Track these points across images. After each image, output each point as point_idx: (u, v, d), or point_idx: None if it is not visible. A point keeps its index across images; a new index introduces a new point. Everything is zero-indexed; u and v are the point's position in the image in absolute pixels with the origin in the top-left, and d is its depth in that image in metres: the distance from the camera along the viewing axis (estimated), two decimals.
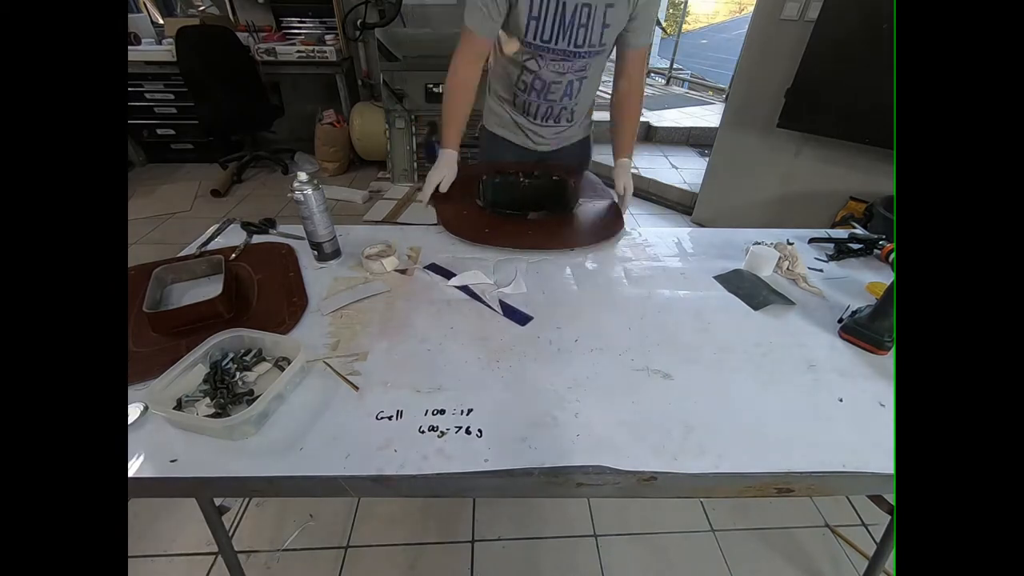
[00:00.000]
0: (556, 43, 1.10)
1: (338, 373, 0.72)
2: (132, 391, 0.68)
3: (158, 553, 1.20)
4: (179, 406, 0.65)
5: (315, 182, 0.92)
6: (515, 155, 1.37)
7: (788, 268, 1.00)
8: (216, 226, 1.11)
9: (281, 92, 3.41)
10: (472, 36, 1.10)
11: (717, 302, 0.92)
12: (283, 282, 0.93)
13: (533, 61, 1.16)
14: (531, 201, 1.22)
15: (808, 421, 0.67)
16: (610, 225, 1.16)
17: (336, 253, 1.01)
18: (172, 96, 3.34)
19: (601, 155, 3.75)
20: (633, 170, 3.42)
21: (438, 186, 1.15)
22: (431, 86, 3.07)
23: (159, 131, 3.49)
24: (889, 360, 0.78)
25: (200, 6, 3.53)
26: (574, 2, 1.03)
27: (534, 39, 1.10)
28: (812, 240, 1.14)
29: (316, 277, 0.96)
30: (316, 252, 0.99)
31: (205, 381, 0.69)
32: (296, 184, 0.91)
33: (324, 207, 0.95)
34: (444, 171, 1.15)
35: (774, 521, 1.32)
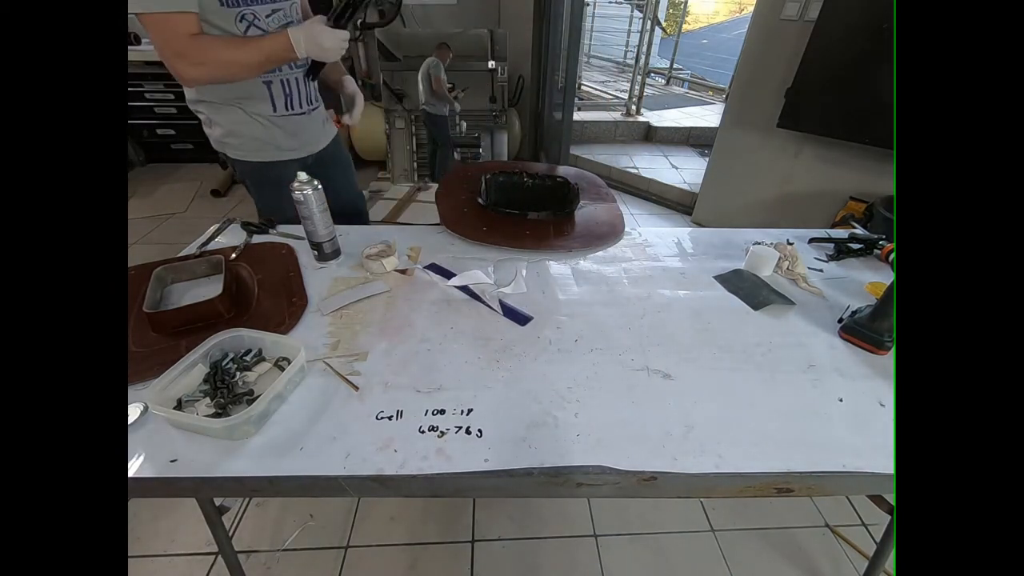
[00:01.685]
0: None
1: (338, 373, 0.72)
2: (132, 391, 0.68)
3: (158, 553, 1.20)
4: (179, 406, 0.65)
5: (315, 182, 0.93)
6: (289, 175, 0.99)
7: (788, 268, 1.00)
8: (216, 226, 1.11)
9: None
10: (177, 18, 0.88)
11: (717, 302, 0.92)
12: (283, 282, 0.93)
13: (253, 28, 0.98)
14: (533, 201, 1.22)
15: (808, 421, 0.67)
16: (611, 227, 1.16)
17: (336, 253, 1.01)
18: (172, 96, 3.34)
19: (600, 155, 3.76)
20: (632, 170, 3.46)
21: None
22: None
23: (159, 131, 3.49)
24: (889, 360, 0.78)
25: None
26: None
27: None
28: (812, 240, 1.14)
29: (316, 277, 0.96)
30: (316, 252, 0.99)
31: (205, 381, 0.69)
32: (296, 184, 0.91)
33: (324, 207, 0.95)
34: (313, 27, 0.95)
35: (774, 521, 1.32)
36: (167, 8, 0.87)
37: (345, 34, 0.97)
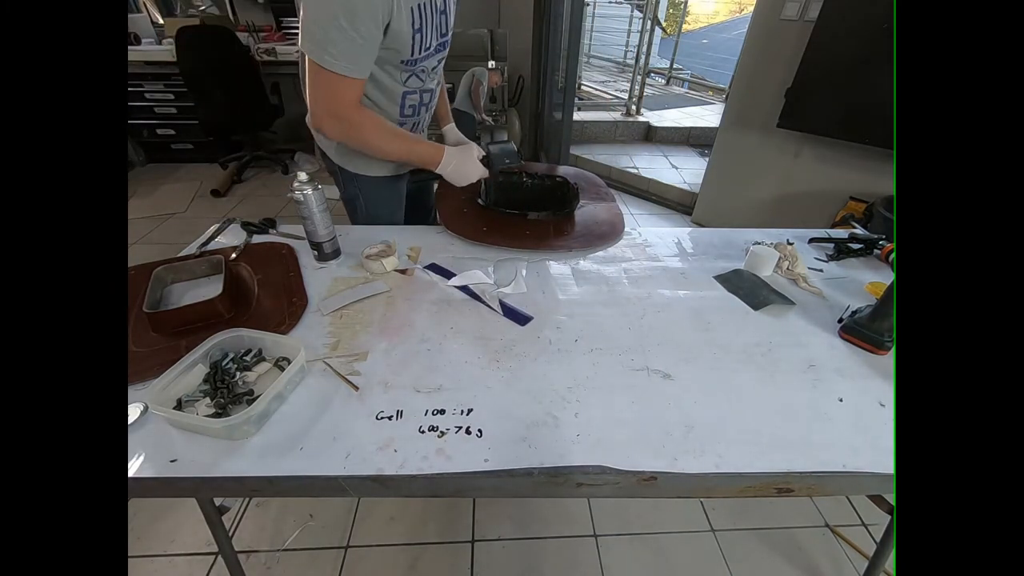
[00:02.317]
0: (431, 44, 0.97)
1: (338, 373, 0.72)
2: (132, 391, 0.68)
3: (158, 553, 1.20)
4: (179, 406, 0.65)
5: (315, 182, 0.93)
6: (392, 192, 1.20)
7: (788, 268, 1.00)
8: (216, 226, 1.11)
9: (281, 92, 3.41)
10: (347, 82, 0.87)
11: (717, 302, 0.92)
12: (283, 282, 0.93)
13: (415, 78, 1.00)
14: (533, 201, 1.22)
15: (808, 421, 0.67)
16: (611, 227, 1.15)
17: (336, 253, 1.01)
18: (172, 96, 3.34)
19: (600, 155, 3.75)
20: (632, 170, 3.46)
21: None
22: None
23: (159, 131, 3.49)
24: (889, 360, 0.78)
25: (200, 6, 3.53)
26: None
27: (420, 53, 0.93)
28: (812, 240, 1.14)
29: (316, 277, 0.96)
30: (316, 252, 0.99)
31: (205, 381, 0.69)
32: (296, 184, 0.91)
33: (324, 207, 0.95)
34: (470, 148, 1.07)
35: (774, 521, 1.32)
36: (345, 72, 0.85)
37: (486, 174, 1.05)
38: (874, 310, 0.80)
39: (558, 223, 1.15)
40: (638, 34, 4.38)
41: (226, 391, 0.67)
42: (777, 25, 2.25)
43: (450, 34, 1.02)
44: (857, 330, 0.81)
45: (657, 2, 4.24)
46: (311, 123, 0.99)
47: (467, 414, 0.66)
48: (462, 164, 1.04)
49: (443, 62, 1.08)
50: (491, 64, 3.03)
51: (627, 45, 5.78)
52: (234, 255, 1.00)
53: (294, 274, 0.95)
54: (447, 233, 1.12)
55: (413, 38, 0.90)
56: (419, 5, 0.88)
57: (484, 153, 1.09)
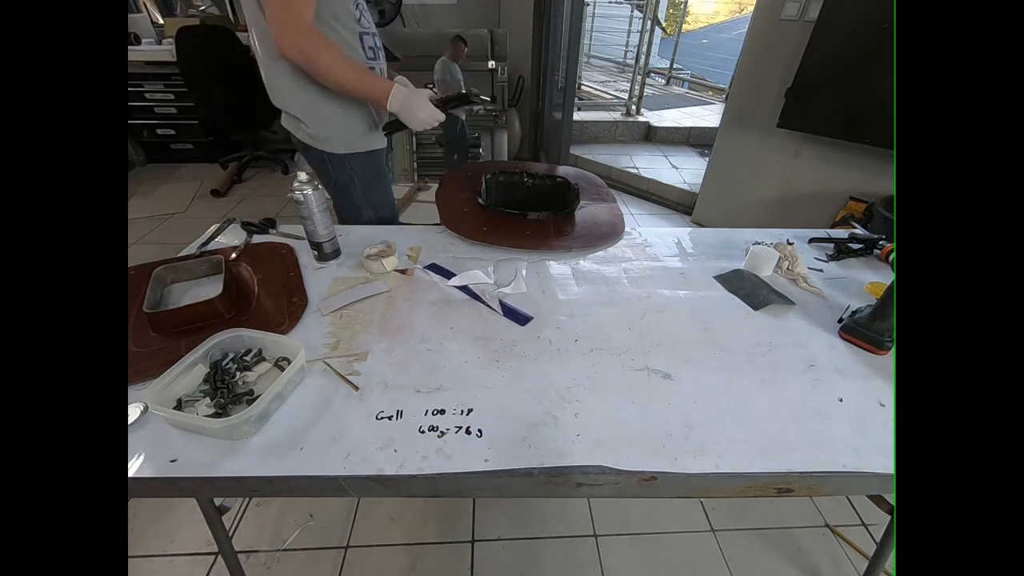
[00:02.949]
0: None
1: (338, 373, 0.72)
2: (132, 391, 0.68)
3: (158, 553, 1.20)
4: (179, 406, 0.65)
5: (315, 182, 0.93)
6: (379, 162, 1.23)
7: (788, 268, 1.00)
8: (216, 226, 1.11)
9: None
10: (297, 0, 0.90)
11: (717, 302, 0.92)
12: (283, 282, 0.93)
13: (365, 19, 1.05)
14: (533, 201, 1.22)
15: (808, 421, 0.67)
16: (611, 228, 1.15)
17: (336, 253, 1.01)
18: (172, 96, 3.34)
19: (600, 155, 3.75)
20: (632, 170, 3.45)
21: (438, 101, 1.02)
22: (431, 86, 3.08)
23: (159, 131, 3.49)
24: (889, 360, 0.78)
25: (200, 6, 3.53)
26: None
27: None
28: (812, 240, 1.14)
29: (316, 277, 0.96)
30: (316, 252, 0.99)
31: (205, 381, 0.69)
32: (296, 184, 0.91)
33: (324, 207, 0.95)
34: (420, 93, 1.03)
35: (774, 521, 1.32)
36: None
37: (441, 116, 1.02)
38: (874, 310, 0.80)
39: (558, 223, 1.15)
40: (638, 34, 4.38)
41: (226, 391, 0.67)
42: (777, 25, 2.25)
43: None
44: (857, 330, 0.81)
45: (657, 2, 4.24)
46: (277, 43, 0.94)
47: (467, 414, 0.66)
48: (410, 102, 1.00)
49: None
50: (452, 40, 2.94)
51: (627, 45, 5.78)
52: (234, 255, 1.00)
53: (294, 274, 0.95)
54: (447, 233, 1.12)
55: None
56: None
57: (444, 97, 1.05)
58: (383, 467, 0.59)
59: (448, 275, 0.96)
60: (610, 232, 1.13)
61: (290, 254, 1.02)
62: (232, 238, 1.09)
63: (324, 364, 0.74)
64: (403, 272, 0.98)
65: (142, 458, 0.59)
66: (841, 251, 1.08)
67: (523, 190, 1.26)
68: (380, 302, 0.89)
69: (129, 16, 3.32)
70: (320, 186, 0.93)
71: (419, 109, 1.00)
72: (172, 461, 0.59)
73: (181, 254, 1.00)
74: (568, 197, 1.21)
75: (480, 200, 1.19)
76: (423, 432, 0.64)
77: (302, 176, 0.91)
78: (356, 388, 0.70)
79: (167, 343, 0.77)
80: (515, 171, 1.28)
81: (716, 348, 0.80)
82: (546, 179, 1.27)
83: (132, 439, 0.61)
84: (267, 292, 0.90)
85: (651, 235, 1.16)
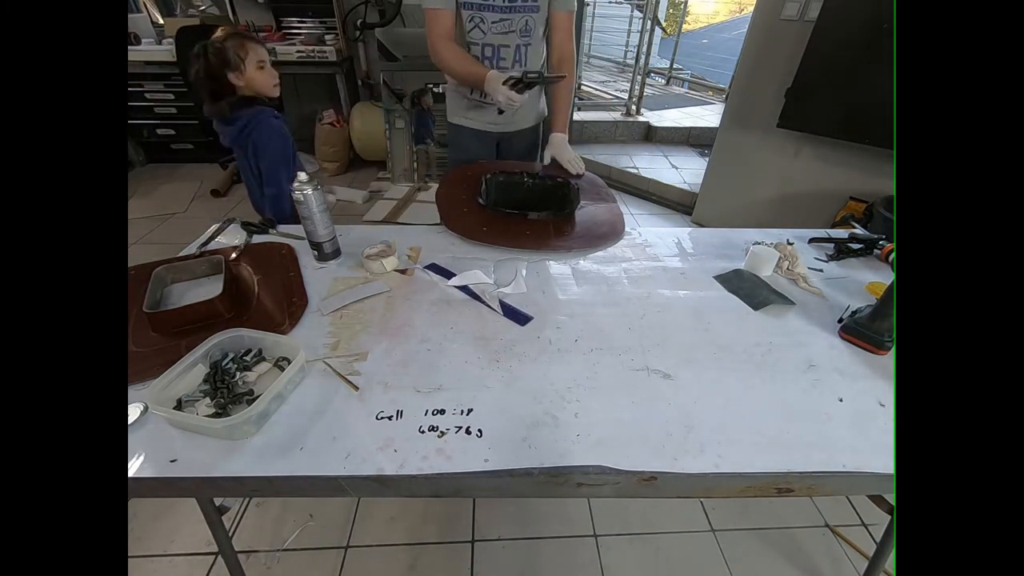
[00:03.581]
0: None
1: (338, 373, 0.72)
2: (132, 391, 0.68)
3: (158, 553, 1.20)
4: (179, 406, 0.65)
5: (315, 182, 0.92)
6: (477, 141, 1.46)
7: (788, 268, 1.00)
8: (216, 226, 1.11)
9: (281, 92, 3.41)
10: (434, 14, 1.20)
11: (717, 302, 0.92)
12: (283, 282, 0.93)
13: (477, 30, 1.24)
14: (533, 201, 1.22)
15: (808, 421, 0.67)
16: (611, 228, 1.15)
17: (336, 253, 1.01)
18: (172, 96, 3.33)
19: (600, 155, 3.74)
20: (632, 170, 3.45)
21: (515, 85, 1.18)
22: (431, 86, 3.08)
23: (159, 131, 3.49)
24: (889, 360, 0.78)
25: (200, 6, 3.52)
26: None
27: None
28: (812, 240, 1.14)
29: (316, 277, 0.96)
30: (316, 252, 0.99)
31: (205, 381, 0.69)
32: (296, 184, 0.91)
33: (324, 207, 0.95)
34: (499, 76, 1.19)
35: (774, 521, 1.32)
36: (432, 5, 1.21)
37: (512, 94, 1.18)
38: (874, 310, 0.80)
39: (558, 223, 1.15)
40: (638, 34, 4.37)
41: (226, 391, 0.67)
42: (777, 25, 2.25)
43: (526, 4, 1.21)
44: (857, 330, 0.81)
45: (657, 2, 4.23)
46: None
47: (467, 414, 0.66)
48: (490, 88, 1.20)
49: (527, 38, 1.27)
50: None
51: (627, 45, 5.77)
52: (234, 255, 1.00)
53: (294, 274, 0.95)
54: (447, 233, 1.12)
55: None
56: None
57: (509, 80, 1.19)
58: (383, 467, 0.59)
59: (448, 275, 0.96)
60: (610, 232, 1.13)
61: (290, 254, 1.02)
62: (232, 238, 1.09)
63: (324, 364, 0.74)
64: (403, 272, 0.98)
65: (142, 458, 0.59)
66: (841, 251, 1.08)
67: (523, 190, 1.26)
68: (380, 302, 0.89)
69: (129, 16, 3.32)
70: (320, 186, 0.93)
71: (496, 94, 1.19)
72: (172, 461, 0.59)
73: (181, 254, 1.00)
74: (568, 197, 1.21)
75: (480, 200, 1.19)
76: (423, 432, 0.64)
77: (302, 176, 0.91)
78: (356, 388, 0.70)
79: (167, 343, 0.77)
80: (515, 171, 1.28)
81: (716, 348, 0.80)
82: (546, 179, 1.27)
83: (132, 439, 0.61)
84: (267, 292, 0.90)
85: (651, 235, 1.16)
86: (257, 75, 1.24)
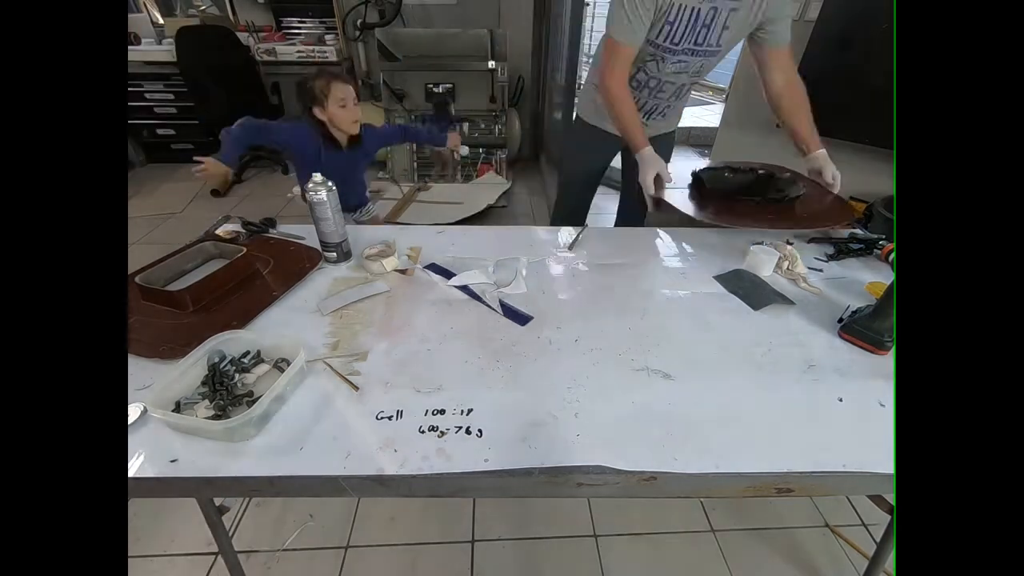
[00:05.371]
0: (681, 43, 1.15)
1: (338, 373, 0.72)
2: (132, 392, 0.68)
3: (158, 553, 1.20)
4: (178, 408, 0.65)
5: (328, 183, 0.92)
6: (603, 143, 1.48)
7: (788, 268, 1.00)
8: (220, 220, 1.11)
9: (281, 92, 3.40)
10: (619, 47, 1.14)
11: (717, 302, 0.92)
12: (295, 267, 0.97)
13: (654, 63, 1.23)
14: (751, 189, 1.25)
15: (808, 421, 0.67)
16: (835, 212, 1.17)
17: (349, 254, 1.01)
18: (172, 96, 3.33)
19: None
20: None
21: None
22: (431, 86, 3.08)
23: (159, 131, 3.48)
24: (889, 360, 0.78)
25: (200, 6, 3.52)
26: (706, 5, 1.08)
27: (664, 41, 1.15)
28: (812, 240, 1.14)
29: (316, 277, 0.96)
30: (334, 254, 0.98)
31: (204, 383, 0.69)
32: (311, 185, 0.91)
33: (338, 207, 0.94)
34: (656, 165, 1.17)
35: (774, 521, 1.32)
36: (620, 38, 1.13)
37: (651, 195, 1.16)
38: (874, 310, 0.80)
39: (785, 208, 1.18)
40: None
41: (225, 392, 0.67)
42: None
43: (707, 48, 1.18)
44: (857, 330, 0.81)
45: None
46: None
47: (467, 414, 0.66)
48: (646, 166, 1.16)
49: (697, 77, 1.29)
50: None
51: None
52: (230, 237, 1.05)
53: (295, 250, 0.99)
54: (448, 232, 1.11)
55: (662, 27, 1.12)
56: (684, 7, 1.08)
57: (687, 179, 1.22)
58: (383, 467, 0.59)
59: (448, 275, 0.96)
60: (837, 218, 1.14)
61: (299, 249, 1.03)
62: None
63: (324, 364, 0.74)
64: (403, 272, 0.98)
65: (142, 458, 0.59)
66: (841, 251, 1.09)
67: (725, 182, 1.28)
68: (380, 302, 0.89)
69: (129, 16, 3.32)
70: (334, 187, 0.93)
71: (647, 176, 1.16)
72: (172, 461, 0.59)
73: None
74: (785, 188, 1.24)
75: (704, 192, 1.21)
76: (423, 432, 0.64)
77: (317, 177, 0.91)
78: (356, 388, 0.70)
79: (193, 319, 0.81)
80: (718, 167, 1.31)
81: (716, 348, 0.80)
82: (748, 172, 1.30)
83: (132, 439, 0.61)
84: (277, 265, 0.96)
85: (651, 235, 1.16)
86: (338, 112, 1.38)
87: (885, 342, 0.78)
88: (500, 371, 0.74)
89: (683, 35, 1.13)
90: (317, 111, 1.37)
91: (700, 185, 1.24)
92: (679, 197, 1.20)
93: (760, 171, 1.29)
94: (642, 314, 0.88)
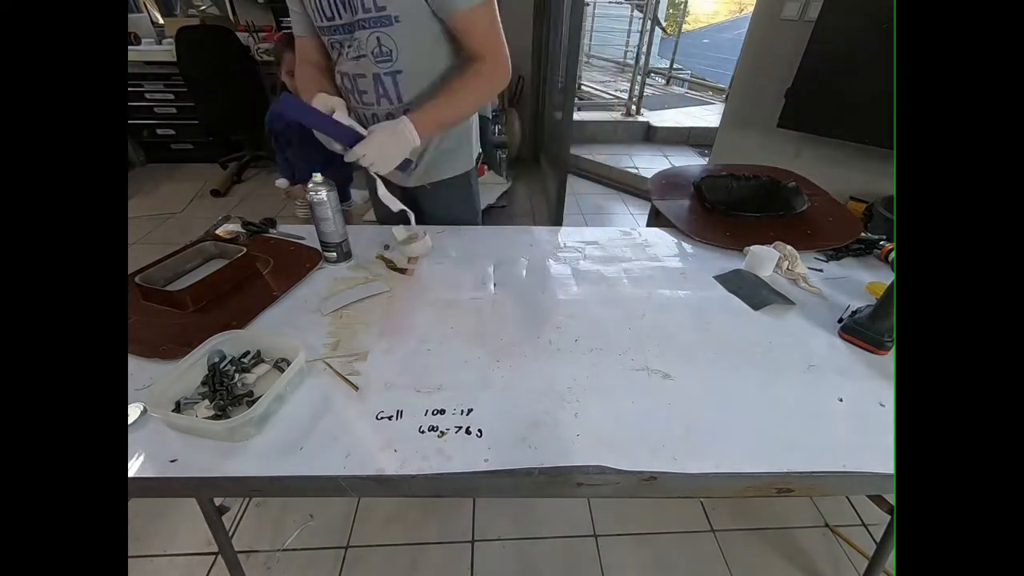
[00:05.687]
0: (336, 17, 0.90)
1: (338, 373, 0.72)
2: (132, 392, 0.68)
3: (158, 553, 1.20)
4: (178, 408, 0.65)
5: (330, 183, 0.92)
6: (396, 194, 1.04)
7: (788, 268, 1.00)
8: (220, 220, 1.11)
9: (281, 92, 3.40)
10: (299, 41, 1.05)
11: (717, 302, 0.92)
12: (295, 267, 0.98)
13: (341, 59, 0.98)
14: (752, 202, 1.24)
15: (808, 421, 0.67)
16: (841, 228, 1.15)
17: (349, 254, 1.01)
18: (172, 96, 3.33)
19: (600, 155, 3.74)
20: (632, 170, 3.45)
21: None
22: None
23: (159, 131, 3.49)
24: (889, 360, 0.78)
25: (200, 6, 3.52)
26: None
27: (317, 19, 0.94)
28: None
29: (316, 277, 0.96)
30: (335, 254, 0.98)
31: (203, 383, 0.69)
32: (311, 185, 0.90)
33: (339, 207, 0.94)
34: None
35: (774, 521, 1.32)
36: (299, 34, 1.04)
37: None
38: (874, 310, 0.80)
39: (791, 223, 1.16)
40: (638, 34, 4.38)
41: (225, 392, 0.67)
42: (777, 25, 2.25)
43: (367, 15, 0.87)
44: (857, 330, 0.81)
45: (657, 2, 4.24)
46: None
47: (467, 414, 0.66)
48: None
49: (388, 65, 0.93)
50: None
51: (627, 45, 5.79)
52: (229, 236, 1.05)
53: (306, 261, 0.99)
54: (450, 233, 1.11)
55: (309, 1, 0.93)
56: None
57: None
58: (383, 467, 0.59)
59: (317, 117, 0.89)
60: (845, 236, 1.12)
61: (299, 249, 1.03)
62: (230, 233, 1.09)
63: (324, 364, 0.74)
64: (403, 272, 0.98)
65: (142, 458, 0.59)
66: (841, 251, 1.08)
67: (726, 192, 1.27)
68: (380, 302, 0.89)
69: (129, 16, 3.32)
70: (335, 186, 0.92)
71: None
72: (172, 461, 0.59)
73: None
74: (784, 196, 1.22)
75: (707, 205, 1.21)
76: (423, 432, 0.64)
77: (317, 177, 0.91)
78: (356, 388, 0.70)
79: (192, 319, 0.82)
80: (721, 174, 1.29)
81: (716, 348, 0.80)
82: (751, 179, 1.28)
83: (132, 439, 0.61)
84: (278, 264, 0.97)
85: (651, 235, 1.16)
86: (289, 80, 1.52)
87: (885, 342, 0.78)
88: (500, 371, 0.74)
89: (332, 4, 0.89)
90: (286, 79, 1.45)
91: (700, 196, 1.24)
92: (678, 209, 1.19)
93: (764, 177, 1.28)
94: (642, 314, 0.88)
